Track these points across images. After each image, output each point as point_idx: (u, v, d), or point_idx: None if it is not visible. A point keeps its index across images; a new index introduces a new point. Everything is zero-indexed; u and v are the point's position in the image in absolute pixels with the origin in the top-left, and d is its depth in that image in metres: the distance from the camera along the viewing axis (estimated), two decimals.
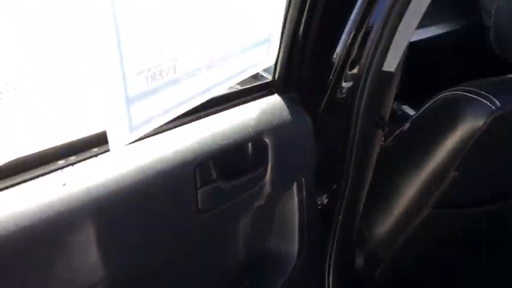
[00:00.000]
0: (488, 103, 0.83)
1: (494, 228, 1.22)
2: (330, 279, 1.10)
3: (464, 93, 0.87)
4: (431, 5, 0.84)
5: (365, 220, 1.13)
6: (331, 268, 1.10)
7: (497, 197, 1.12)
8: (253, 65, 0.57)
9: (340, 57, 0.80)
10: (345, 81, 0.85)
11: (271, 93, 0.75)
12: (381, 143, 1.04)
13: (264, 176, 0.69)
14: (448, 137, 0.89)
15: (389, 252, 1.18)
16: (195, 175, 0.58)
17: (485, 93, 0.84)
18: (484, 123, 0.83)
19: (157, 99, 0.43)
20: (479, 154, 0.89)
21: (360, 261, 1.24)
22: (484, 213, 1.15)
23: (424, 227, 1.08)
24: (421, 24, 0.88)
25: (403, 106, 1.48)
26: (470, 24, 1.83)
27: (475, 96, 0.85)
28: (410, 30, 0.81)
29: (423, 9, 0.80)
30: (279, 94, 0.75)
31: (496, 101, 0.83)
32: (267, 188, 0.70)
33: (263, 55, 0.58)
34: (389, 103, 0.98)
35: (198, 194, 0.59)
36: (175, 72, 0.43)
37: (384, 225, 1.13)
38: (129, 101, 0.39)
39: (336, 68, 0.81)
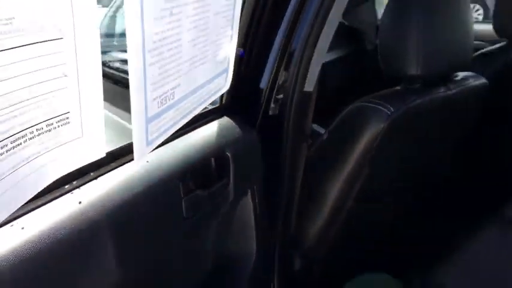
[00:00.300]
0: (385, 110, 1.06)
1: (401, 217, 1.47)
2: (274, 281, 1.23)
3: (367, 104, 1.09)
4: None
5: (300, 222, 1.29)
6: (275, 269, 1.22)
7: (401, 189, 1.36)
8: (219, 89, 0.71)
9: (269, 82, 0.97)
10: (274, 103, 1.02)
11: (220, 116, 0.88)
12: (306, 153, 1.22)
13: (228, 184, 0.81)
14: (359, 140, 1.10)
15: (323, 249, 1.34)
16: (179, 186, 0.69)
17: (382, 102, 1.07)
18: (384, 126, 1.05)
19: (162, 119, 0.54)
20: (383, 152, 1.11)
21: (297, 261, 1.38)
22: (391, 204, 1.39)
23: (349, 220, 1.27)
24: None
25: (313, 125, 1.71)
26: (352, 51, 2.18)
27: (375, 106, 1.07)
28: (323, 55, 1.01)
29: (331, 37, 1.00)
30: (227, 116, 0.89)
31: (391, 108, 1.06)
32: (231, 195, 0.83)
33: (223, 81, 0.72)
34: (310, 120, 1.17)
35: (183, 203, 0.70)
36: (174, 98, 0.55)
37: (316, 223, 1.29)
38: (148, 120, 0.50)
39: (266, 91, 0.98)
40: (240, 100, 0.93)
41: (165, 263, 0.71)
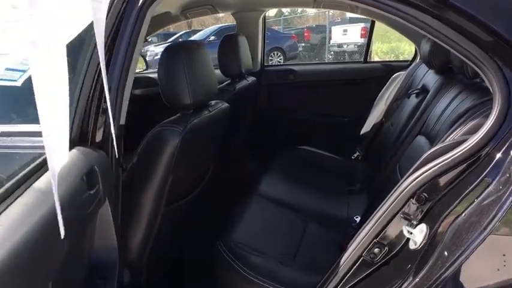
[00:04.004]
0: (177, 129, 1.48)
1: (193, 211, 1.91)
2: None
3: (164, 128, 1.49)
4: None
5: (126, 237, 1.49)
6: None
7: (193, 186, 1.81)
8: None
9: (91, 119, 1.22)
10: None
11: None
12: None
13: (99, 191, 1.07)
14: (163, 154, 1.44)
15: (145, 259, 1.58)
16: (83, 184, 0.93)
17: (174, 125, 1.48)
18: (178, 140, 1.47)
19: None
20: (181, 159, 1.50)
21: (126, 274, 1.58)
22: (187, 202, 1.81)
23: (162, 224, 1.57)
24: None
25: None
26: None
27: (170, 128, 1.48)
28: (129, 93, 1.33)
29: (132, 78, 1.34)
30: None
31: (180, 127, 1.49)
32: (102, 199, 1.08)
33: None
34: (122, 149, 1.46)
35: (84, 195, 0.95)
36: None
37: (137, 233, 1.52)
38: None
39: (89, 125, 1.22)
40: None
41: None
